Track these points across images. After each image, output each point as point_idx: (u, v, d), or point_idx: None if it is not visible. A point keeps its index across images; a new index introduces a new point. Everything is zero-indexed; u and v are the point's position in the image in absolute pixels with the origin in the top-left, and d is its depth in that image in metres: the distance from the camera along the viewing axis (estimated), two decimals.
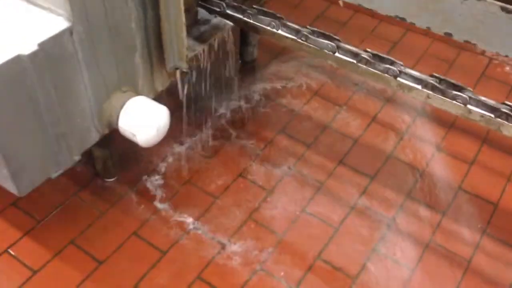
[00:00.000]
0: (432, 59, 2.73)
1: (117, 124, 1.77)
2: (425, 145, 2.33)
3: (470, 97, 1.58)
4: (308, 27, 1.89)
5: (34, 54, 1.44)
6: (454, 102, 1.59)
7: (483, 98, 1.57)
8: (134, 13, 1.69)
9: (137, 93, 1.85)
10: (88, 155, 2.08)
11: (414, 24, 1.45)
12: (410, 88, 1.64)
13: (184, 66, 1.81)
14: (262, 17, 1.94)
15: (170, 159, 2.22)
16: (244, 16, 1.94)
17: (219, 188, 2.14)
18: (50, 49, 1.48)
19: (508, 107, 1.52)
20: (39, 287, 1.83)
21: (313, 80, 2.59)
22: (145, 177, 2.16)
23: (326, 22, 2.92)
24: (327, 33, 1.85)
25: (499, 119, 1.54)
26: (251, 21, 1.94)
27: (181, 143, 2.28)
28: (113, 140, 2.02)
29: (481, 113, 1.57)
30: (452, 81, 1.60)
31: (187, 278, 1.88)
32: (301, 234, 2.01)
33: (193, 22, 1.94)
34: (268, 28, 1.92)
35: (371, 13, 2.55)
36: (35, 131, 1.56)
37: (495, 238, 2.01)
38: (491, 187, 2.18)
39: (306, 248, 1.97)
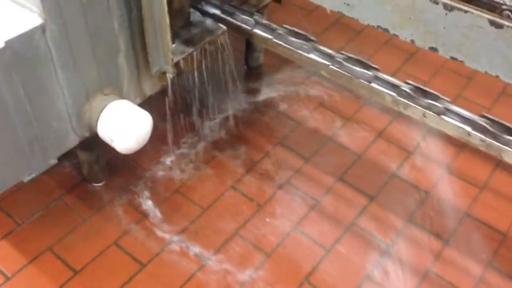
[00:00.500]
0: (449, 73, 2.56)
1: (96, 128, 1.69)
2: (433, 165, 2.18)
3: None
4: (343, 52, 1.73)
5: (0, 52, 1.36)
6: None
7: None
8: (116, 12, 1.60)
9: (122, 96, 1.76)
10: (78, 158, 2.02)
11: (397, 36, 1.32)
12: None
13: (170, 70, 1.72)
14: (294, 38, 1.80)
15: (161, 166, 2.13)
16: (274, 37, 1.79)
17: (208, 199, 2.04)
18: (19, 47, 1.41)
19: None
20: None
21: (320, 90, 2.46)
22: (133, 183, 2.07)
23: (341, 29, 2.79)
24: (364, 60, 1.68)
25: (501, 144, 1.39)
26: (282, 43, 1.81)
27: (174, 150, 2.18)
28: (101, 144, 1.93)
29: (481, 137, 1.42)
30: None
31: None
32: (289, 255, 1.89)
33: (184, 24, 1.84)
34: (300, 52, 1.78)
35: None
36: (4, 132, 1.49)
37: (501, 271, 1.85)
38: (501, 215, 2.01)
39: (293, 270, 1.85)
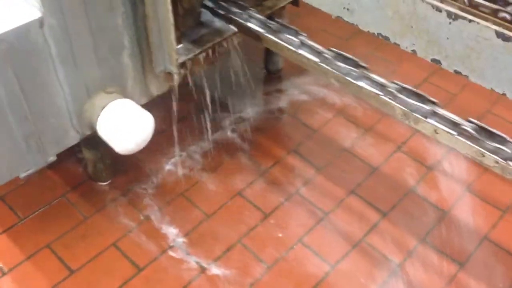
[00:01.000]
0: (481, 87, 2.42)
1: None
2: (454, 184, 2.05)
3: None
4: (397, 82, 1.47)
5: None
6: (466, 141, 1.34)
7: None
8: (120, 9, 1.56)
9: (126, 96, 1.72)
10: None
11: (398, 45, 1.22)
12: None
13: (175, 71, 1.66)
14: (341, 64, 1.55)
15: (167, 168, 2.08)
16: (321, 61, 1.57)
17: (213, 205, 1.98)
18: (15, 41, 1.38)
19: None
20: None
21: (340, 98, 2.37)
22: (138, 184, 2.03)
23: (367, 36, 2.67)
24: (422, 93, 1.43)
25: (461, 138, 1.27)
26: (329, 68, 1.56)
27: (182, 153, 2.13)
28: (105, 142, 1.90)
29: (496, 159, 1.30)
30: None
31: None
32: (291, 268, 1.80)
33: (194, 24, 1.78)
34: (348, 78, 1.54)
35: None
36: None
37: None
38: None
39: (294, 284, 1.76)
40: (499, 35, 1.01)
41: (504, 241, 1.87)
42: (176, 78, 1.75)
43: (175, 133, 2.10)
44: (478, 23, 1.03)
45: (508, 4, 0.99)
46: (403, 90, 1.46)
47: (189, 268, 1.80)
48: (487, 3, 1.02)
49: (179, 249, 1.84)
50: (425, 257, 1.83)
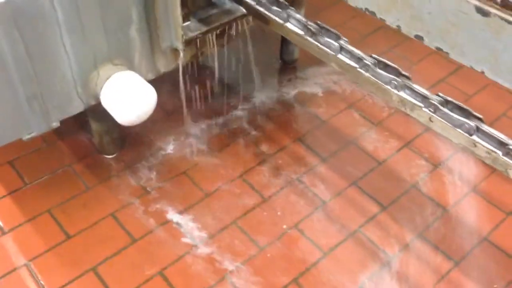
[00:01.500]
0: (498, 90, 2.38)
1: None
2: (460, 183, 2.02)
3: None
4: (440, 94, 1.35)
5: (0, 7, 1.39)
6: (458, 130, 1.32)
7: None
8: None
9: (133, 69, 1.76)
10: None
11: (384, 20, 1.21)
12: (412, 107, 1.38)
13: (180, 47, 1.69)
14: (383, 72, 1.45)
15: (174, 146, 2.11)
16: (362, 68, 1.48)
17: (213, 185, 1.99)
18: (21, 4, 1.43)
19: None
20: (0, 248, 1.80)
21: (353, 91, 2.36)
22: (143, 160, 2.07)
23: (388, 33, 2.65)
24: (468, 108, 1.33)
25: (507, 158, 1.25)
26: (370, 75, 1.47)
27: (190, 132, 2.16)
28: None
29: (488, 149, 1.28)
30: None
31: (148, 271, 1.75)
32: (283, 252, 1.81)
33: (206, 4, 1.81)
34: (390, 88, 1.44)
35: None
36: (3, 85, 1.52)
37: None
38: None
39: (284, 268, 1.76)
40: (478, 9, 0.99)
41: (504, 244, 1.83)
42: (182, 55, 1.77)
43: (183, 112, 2.13)
44: None
45: None
46: (446, 103, 1.36)
47: (182, 244, 1.82)
48: None
49: (174, 225, 1.87)
50: (420, 252, 1.81)
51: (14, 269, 1.75)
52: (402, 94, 1.43)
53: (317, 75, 2.42)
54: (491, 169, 2.04)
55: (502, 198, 1.97)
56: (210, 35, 1.79)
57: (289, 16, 1.66)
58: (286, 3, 1.68)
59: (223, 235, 1.85)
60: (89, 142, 2.13)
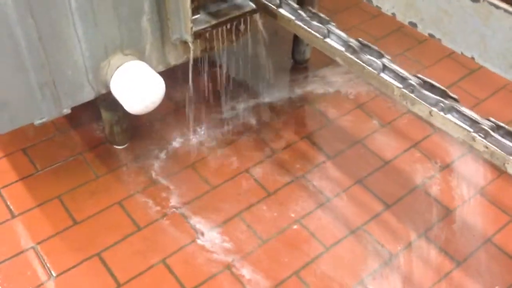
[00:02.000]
0: (510, 94, 2.37)
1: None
2: (466, 185, 2.01)
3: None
4: (492, 119, 1.31)
5: None
6: (459, 123, 1.33)
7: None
8: None
9: (143, 60, 1.80)
10: None
11: (380, 8, 1.22)
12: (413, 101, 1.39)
13: (189, 39, 1.73)
14: (429, 93, 1.38)
15: (183, 139, 2.15)
16: (406, 88, 1.41)
17: (219, 178, 2.02)
18: None
19: None
20: (9, 230, 1.85)
21: (362, 92, 2.37)
22: (152, 152, 2.10)
23: (402, 36, 2.67)
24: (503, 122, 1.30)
25: (505, 154, 1.25)
26: (416, 98, 1.39)
27: (200, 126, 2.19)
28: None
29: (485, 144, 1.29)
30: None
31: (151, 259, 1.78)
32: (285, 245, 1.82)
33: None
34: (437, 110, 1.37)
35: None
36: (16, 70, 1.57)
37: None
38: None
39: (285, 261, 1.78)
40: None
41: (507, 246, 1.82)
42: (192, 48, 1.81)
43: (193, 107, 2.17)
44: None
45: None
46: (497, 128, 1.31)
47: (185, 234, 1.85)
48: None
49: (179, 215, 1.90)
50: (422, 251, 1.81)
51: (22, 251, 1.80)
52: (449, 117, 1.36)
53: (327, 75, 2.44)
54: (497, 173, 2.04)
55: (508, 201, 1.96)
56: (220, 29, 1.82)
57: (329, 32, 1.63)
58: (327, 18, 1.64)
59: (227, 227, 1.87)
60: (101, 132, 2.17)
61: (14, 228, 1.86)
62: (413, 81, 1.42)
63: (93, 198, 1.95)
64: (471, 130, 1.33)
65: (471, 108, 1.39)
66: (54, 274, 1.73)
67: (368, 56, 1.52)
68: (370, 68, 1.50)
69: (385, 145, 2.15)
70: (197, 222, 1.88)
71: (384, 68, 1.49)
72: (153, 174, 2.03)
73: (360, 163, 2.08)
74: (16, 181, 2.00)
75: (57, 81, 1.66)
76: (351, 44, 1.56)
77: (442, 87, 1.37)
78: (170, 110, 2.23)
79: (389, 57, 1.51)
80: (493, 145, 1.28)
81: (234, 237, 1.84)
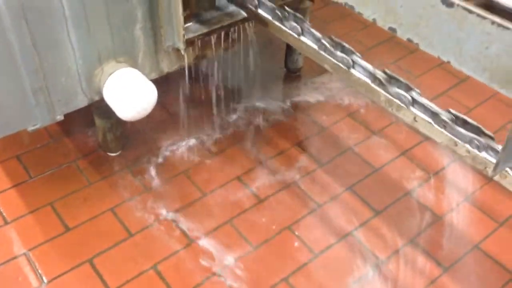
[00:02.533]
0: (498, 103, 2.41)
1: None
2: (454, 192, 2.04)
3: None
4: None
5: None
6: (441, 129, 1.36)
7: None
8: None
9: (136, 68, 1.82)
10: None
11: (362, 14, 1.26)
12: (399, 107, 1.42)
13: (182, 47, 1.75)
14: (462, 129, 1.33)
15: (175, 147, 2.17)
16: (438, 124, 1.36)
17: (211, 185, 2.04)
18: None
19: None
20: (1, 237, 1.86)
21: (354, 100, 2.40)
22: (145, 159, 2.12)
23: (394, 46, 2.71)
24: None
25: (486, 156, 1.28)
26: (449, 134, 1.35)
27: (191, 135, 2.21)
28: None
29: (468, 148, 1.32)
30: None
31: (142, 265, 1.79)
32: (275, 252, 1.84)
33: (209, 7, 1.88)
34: (471, 148, 1.32)
35: None
36: (10, 76, 1.59)
37: None
38: None
39: (275, 267, 1.80)
40: (443, 1, 1.04)
41: (494, 252, 1.84)
42: (184, 56, 1.84)
43: (186, 114, 2.19)
44: None
45: None
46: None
47: (177, 240, 1.86)
48: None
49: (171, 222, 1.91)
50: (410, 257, 1.83)
51: (14, 257, 1.81)
52: (484, 155, 1.29)
53: (319, 84, 2.47)
54: (485, 180, 2.06)
55: (495, 208, 1.98)
56: (212, 37, 1.85)
57: (354, 62, 1.55)
58: (351, 48, 1.58)
59: (218, 233, 1.89)
60: (94, 139, 2.19)
61: (6, 235, 1.87)
62: (445, 116, 1.36)
63: (85, 205, 1.96)
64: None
65: None
66: (45, 280, 1.75)
67: (396, 89, 1.46)
68: (398, 102, 1.44)
69: (376, 152, 2.18)
70: (188, 228, 1.90)
71: (414, 102, 1.42)
72: (146, 181, 2.04)
73: (351, 170, 2.11)
74: (10, 187, 2.01)
75: (51, 88, 1.68)
76: (377, 76, 1.49)
77: (476, 124, 1.33)
78: (163, 117, 2.26)
79: (418, 90, 1.44)
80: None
81: (225, 243, 1.86)
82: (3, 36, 1.51)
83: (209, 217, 1.94)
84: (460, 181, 2.08)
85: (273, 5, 1.74)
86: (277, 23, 1.72)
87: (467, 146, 1.30)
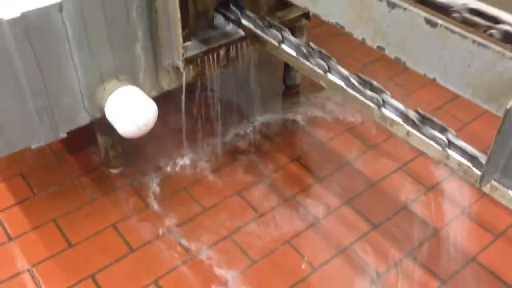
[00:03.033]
0: (492, 118, 2.43)
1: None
2: (451, 205, 2.07)
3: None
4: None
5: (14, 21, 1.51)
6: (433, 143, 1.39)
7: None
8: (135, 2, 1.71)
9: (137, 86, 1.86)
10: None
11: (352, 34, 1.30)
12: (392, 122, 1.46)
13: (181, 65, 1.80)
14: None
15: (176, 164, 2.21)
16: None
17: (212, 201, 2.07)
18: (34, 21, 1.55)
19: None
20: (6, 253, 1.89)
21: (353, 116, 2.44)
22: (147, 175, 2.16)
23: (389, 63, 2.74)
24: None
25: (477, 170, 1.31)
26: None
27: (193, 150, 2.25)
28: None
29: (459, 161, 1.35)
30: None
31: (144, 280, 1.82)
32: (274, 266, 1.86)
33: (207, 26, 1.93)
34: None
35: None
36: (15, 96, 1.63)
37: None
38: None
39: (275, 281, 1.82)
40: (427, 21, 1.08)
41: (492, 265, 1.87)
42: (184, 74, 1.88)
43: (186, 131, 2.23)
44: (411, 10, 1.11)
45: None
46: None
47: (178, 255, 1.89)
48: None
49: (172, 237, 1.94)
50: (408, 270, 1.85)
51: (18, 273, 1.84)
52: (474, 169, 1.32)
53: (317, 100, 2.51)
54: (481, 193, 2.09)
55: (491, 221, 2.01)
56: (211, 55, 1.90)
57: (385, 102, 1.53)
58: (379, 86, 1.55)
59: (218, 248, 1.91)
60: (97, 156, 2.23)
61: (10, 251, 1.90)
62: (482, 159, 1.32)
63: (87, 221, 2.00)
64: None
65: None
66: None
67: (431, 130, 1.42)
68: (434, 144, 1.40)
69: (374, 166, 2.21)
70: (190, 243, 1.92)
71: (450, 144, 1.39)
72: (147, 197, 2.08)
73: (349, 185, 2.14)
74: (14, 204, 2.05)
75: (54, 107, 1.72)
76: (409, 115, 1.45)
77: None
78: (164, 134, 2.29)
79: (454, 132, 1.40)
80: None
81: (226, 258, 1.88)
82: (8, 59, 1.55)
83: (210, 232, 1.97)
84: (457, 194, 2.11)
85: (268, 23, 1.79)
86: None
87: (459, 158, 1.34)
